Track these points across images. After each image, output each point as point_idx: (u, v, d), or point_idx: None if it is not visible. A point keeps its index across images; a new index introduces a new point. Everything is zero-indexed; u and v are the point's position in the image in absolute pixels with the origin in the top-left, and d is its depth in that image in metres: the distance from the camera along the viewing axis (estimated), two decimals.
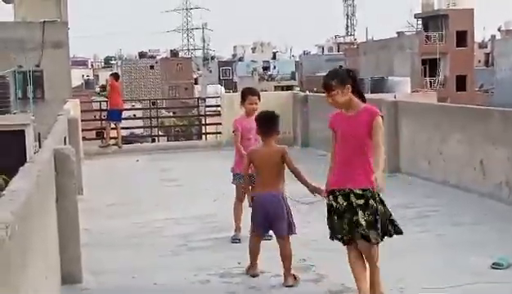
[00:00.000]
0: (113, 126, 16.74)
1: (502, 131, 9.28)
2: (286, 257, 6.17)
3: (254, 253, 6.43)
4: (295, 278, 6.13)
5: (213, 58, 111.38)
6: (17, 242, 3.38)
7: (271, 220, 6.21)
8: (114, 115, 16.60)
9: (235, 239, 7.59)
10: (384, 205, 5.31)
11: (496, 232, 7.73)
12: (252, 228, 6.45)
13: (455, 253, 6.92)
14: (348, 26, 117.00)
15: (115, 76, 17.77)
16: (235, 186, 7.81)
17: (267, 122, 6.39)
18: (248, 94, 7.85)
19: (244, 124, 7.74)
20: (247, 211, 6.99)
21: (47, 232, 5.20)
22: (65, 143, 8.78)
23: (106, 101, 17.49)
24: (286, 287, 6.04)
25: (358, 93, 5.45)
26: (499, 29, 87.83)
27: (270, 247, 7.05)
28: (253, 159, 6.40)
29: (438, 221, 8.37)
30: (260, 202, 6.24)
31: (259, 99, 7.84)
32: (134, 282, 6.40)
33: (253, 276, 6.41)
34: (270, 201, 6.17)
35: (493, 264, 6.40)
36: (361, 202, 5.23)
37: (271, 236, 7.30)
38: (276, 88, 70.85)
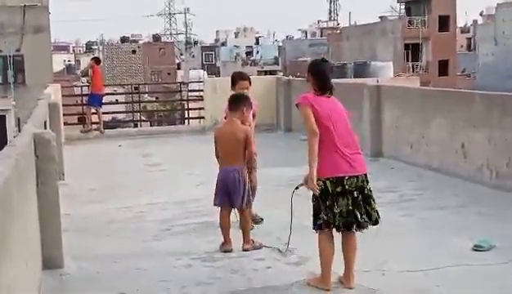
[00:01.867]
0: (93, 111, 16.60)
1: (483, 114, 9.32)
2: (244, 229, 6.73)
3: (224, 228, 6.72)
4: (253, 242, 6.67)
5: (195, 43, 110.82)
6: None
7: (230, 193, 6.64)
8: (95, 100, 16.44)
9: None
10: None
11: (478, 215, 7.78)
12: (214, 202, 6.80)
13: (438, 236, 6.95)
14: (330, 11, 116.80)
15: (96, 60, 17.58)
16: None
17: (233, 101, 6.86)
18: (238, 79, 7.67)
19: None
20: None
21: (26, 217, 5.15)
22: (45, 127, 8.69)
23: (88, 86, 17.29)
24: (244, 250, 6.57)
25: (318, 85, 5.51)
26: (481, 14, 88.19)
27: (253, 232, 7.06)
28: (217, 136, 6.81)
29: (421, 205, 8.41)
30: (221, 176, 6.71)
31: (250, 83, 7.68)
32: (116, 267, 6.37)
33: (226, 251, 6.59)
34: (230, 176, 6.63)
35: (475, 246, 6.45)
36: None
37: (262, 219, 7.38)
38: (260, 73, 70.57)
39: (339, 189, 5.30)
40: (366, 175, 5.44)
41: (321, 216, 5.41)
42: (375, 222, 5.47)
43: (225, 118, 7.33)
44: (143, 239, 7.25)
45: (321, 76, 5.55)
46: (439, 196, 8.82)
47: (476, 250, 6.39)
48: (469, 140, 9.59)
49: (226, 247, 6.64)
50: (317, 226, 5.46)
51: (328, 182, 5.31)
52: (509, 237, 6.76)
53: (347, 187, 5.30)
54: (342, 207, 5.32)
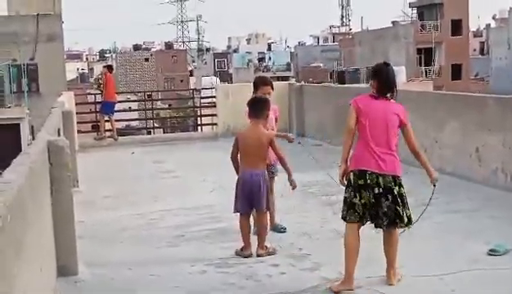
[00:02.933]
0: (107, 118, 16.66)
1: (497, 118, 9.27)
2: (259, 234, 6.70)
3: (245, 232, 6.71)
4: (267, 247, 6.64)
5: (208, 50, 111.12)
6: (10, 234, 3.35)
7: (253, 196, 6.61)
8: (108, 108, 16.51)
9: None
10: None
11: (493, 218, 7.72)
12: (235, 207, 6.76)
13: (453, 240, 6.91)
14: (342, 16, 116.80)
15: (109, 68, 17.66)
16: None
17: (255, 105, 6.77)
18: (260, 84, 7.60)
19: None
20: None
21: (41, 224, 5.17)
22: (58, 135, 8.73)
23: (101, 94, 17.36)
24: (258, 256, 6.56)
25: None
26: (494, 18, 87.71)
27: (268, 238, 7.06)
28: (240, 140, 6.74)
29: (436, 209, 8.31)
30: (244, 179, 6.64)
31: (272, 88, 7.61)
32: (130, 273, 6.38)
33: (246, 257, 6.59)
34: (254, 179, 6.58)
35: (490, 250, 6.40)
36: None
37: (285, 228, 7.34)
38: (272, 79, 70.40)
39: (361, 182, 5.44)
40: (395, 176, 5.50)
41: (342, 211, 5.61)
42: (407, 224, 5.55)
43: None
44: (157, 246, 7.26)
45: (379, 78, 5.68)
46: (454, 200, 8.76)
47: (491, 254, 6.35)
48: (483, 144, 9.53)
49: (246, 252, 6.63)
50: (342, 217, 5.64)
51: (352, 174, 5.49)
52: None
53: (369, 181, 5.42)
54: (365, 199, 5.45)
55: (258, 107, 6.77)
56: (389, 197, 5.44)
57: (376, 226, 5.59)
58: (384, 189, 5.43)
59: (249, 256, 6.61)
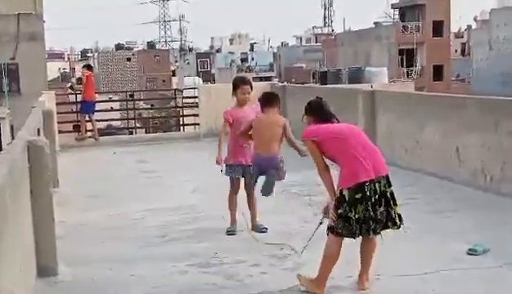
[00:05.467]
0: (87, 118, 16.56)
1: (478, 119, 9.34)
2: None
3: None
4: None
5: (191, 50, 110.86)
6: None
7: (267, 170, 6.98)
8: (87, 107, 16.39)
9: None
10: None
11: (473, 219, 7.79)
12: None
13: (433, 240, 6.96)
14: (325, 17, 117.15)
15: (89, 67, 17.55)
16: (229, 178, 7.59)
17: (270, 97, 7.20)
18: (240, 83, 7.58)
19: (238, 115, 7.47)
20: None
21: (20, 224, 5.14)
22: (38, 135, 8.67)
23: (80, 93, 17.22)
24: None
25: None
26: (475, 19, 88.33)
27: (249, 238, 7.07)
28: (256, 124, 7.04)
29: (416, 209, 8.40)
30: (259, 162, 7.00)
31: (251, 88, 7.61)
32: (111, 273, 6.35)
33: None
34: (268, 163, 6.94)
35: (469, 250, 6.45)
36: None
37: (266, 228, 7.35)
38: (255, 79, 70.50)
39: (358, 196, 5.27)
40: (388, 176, 5.44)
41: (334, 224, 5.42)
42: (398, 226, 5.52)
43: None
44: (138, 246, 7.23)
45: (319, 112, 5.74)
46: (434, 200, 8.83)
47: (470, 254, 6.40)
48: (463, 145, 9.61)
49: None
50: (330, 229, 5.47)
51: (346, 190, 5.31)
52: (503, 241, 6.78)
53: (367, 193, 5.28)
54: (359, 213, 5.31)
55: (271, 96, 7.24)
56: (383, 201, 5.36)
57: (374, 232, 5.45)
58: (380, 195, 5.34)
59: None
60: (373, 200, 5.31)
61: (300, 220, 7.82)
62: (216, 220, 7.89)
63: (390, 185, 5.44)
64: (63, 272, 6.25)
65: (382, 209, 5.37)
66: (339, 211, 5.34)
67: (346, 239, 5.45)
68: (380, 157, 5.48)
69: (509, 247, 6.54)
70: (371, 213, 5.32)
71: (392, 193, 5.44)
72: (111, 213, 8.79)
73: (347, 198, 5.30)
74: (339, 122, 5.66)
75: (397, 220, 5.48)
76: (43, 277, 6.07)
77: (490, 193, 8.81)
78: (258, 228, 7.47)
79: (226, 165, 7.57)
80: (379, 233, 5.48)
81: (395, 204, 5.46)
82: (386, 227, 5.47)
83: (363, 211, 5.30)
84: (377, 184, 5.33)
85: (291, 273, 6.09)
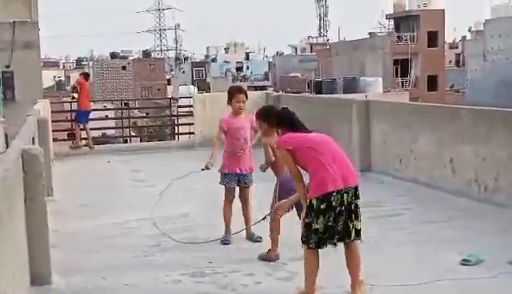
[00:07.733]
0: (82, 127, 16.56)
1: (471, 129, 9.38)
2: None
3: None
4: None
5: (186, 59, 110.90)
6: None
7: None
8: (81, 116, 16.39)
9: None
10: None
11: (466, 229, 7.80)
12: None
13: (427, 250, 6.97)
14: (320, 27, 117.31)
15: (85, 75, 17.55)
16: (224, 187, 7.63)
17: (268, 115, 6.70)
18: (235, 92, 7.61)
19: (233, 124, 7.52)
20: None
21: (14, 233, 5.12)
22: (33, 143, 8.67)
23: (76, 101, 17.21)
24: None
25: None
26: (469, 30, 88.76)
27: (243, 248, 7.07)
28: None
29: (410, 219, 8.43)
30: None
31: (246, 97, 7.65)
32: (104, 282, 6.34)
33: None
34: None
35: (462, 260, 6.47)
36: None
37: (260, 237, 7.31)
38: (250, 89, 70.62)
39: (323, 206, 5.27)
40: (357, 188, 5.42)
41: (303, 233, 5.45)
42: (355, 238, 5.45)
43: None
44: (132, 255, 7.23)
45: (290, 121, 5.70)
46: (428, 210, 8.85)
47: (464, 264, 6.42)
48: (457, 155, 9.64)
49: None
50: (301, 240, 5.49)
51: (314, 199, 5.32)
52: (496, 251, 6.79)
53: (333, 203, 5.27)
54: (320, 224, 5.30)
55: (270, 116, 6.60)
56: (346, 213, 5.33)
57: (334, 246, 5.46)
58: (346, 206, 5.32)
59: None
60: (337, 211, 5.29)
61: (295, 230, 7.81)
62: (210, 229, 7.88)
63: (358, 197, 5.41)
64: (57, 281, 6.24)
65: (343, 219, 5.34)
66: (306, 220, 5.37)
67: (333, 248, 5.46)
68: (350, 167, 5.48)
69: (502, 258, 6.55)
70: (333, 223, 5.30)
71: (356, 206, 5.40)
72: (105, 222, 8.77)
73: (314, 208, 5.31)
74: (308, 131, 5.66)
75: (353, 234, 5.42)
76: (37, 285, 6.05)
77: (484, 203, 8.83)
78: (252, 237, 7.47)
79: (223, 174, 7.58)
80: (336, 245, 5.43)
81: (356, 218, 5.41)
82: (342, 239, 5.44)
83: (325, 222, 5.29)
84: (345, 195, 5.32)
85: (286, 282, 6.10)
